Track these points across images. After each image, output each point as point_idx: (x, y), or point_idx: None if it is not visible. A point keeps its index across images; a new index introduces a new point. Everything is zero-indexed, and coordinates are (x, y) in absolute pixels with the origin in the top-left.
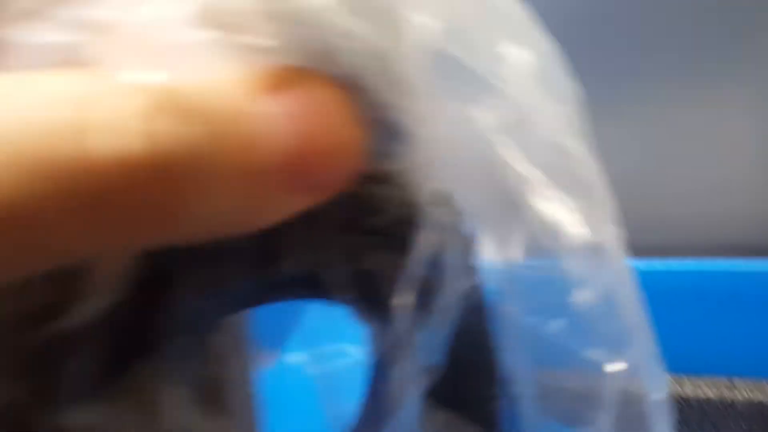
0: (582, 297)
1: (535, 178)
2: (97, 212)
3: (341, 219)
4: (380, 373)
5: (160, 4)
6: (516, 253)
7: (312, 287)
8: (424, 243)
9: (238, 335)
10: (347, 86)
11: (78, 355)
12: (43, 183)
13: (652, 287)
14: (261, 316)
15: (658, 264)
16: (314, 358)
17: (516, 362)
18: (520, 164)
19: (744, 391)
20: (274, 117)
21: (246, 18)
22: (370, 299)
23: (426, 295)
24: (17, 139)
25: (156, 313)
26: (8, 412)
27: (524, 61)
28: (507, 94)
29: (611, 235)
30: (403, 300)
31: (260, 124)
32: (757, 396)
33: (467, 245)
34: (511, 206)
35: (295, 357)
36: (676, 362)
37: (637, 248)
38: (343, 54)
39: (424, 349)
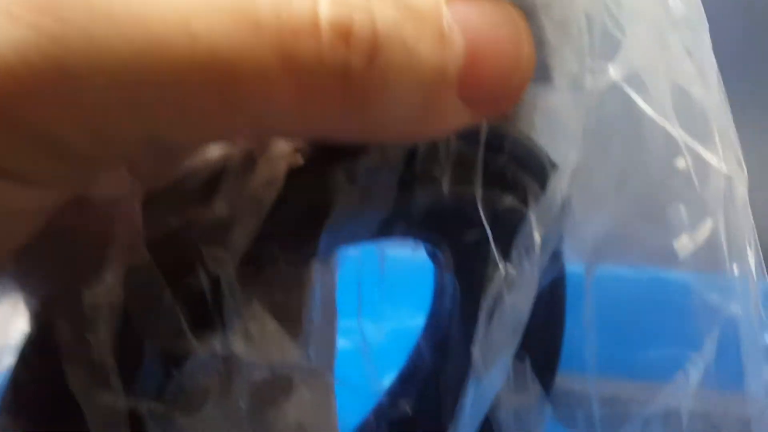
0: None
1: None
2: (299, 82)
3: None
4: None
5: None
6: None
7: (429, 225)
8: (548, 198)
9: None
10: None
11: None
12: (252, 36)
13: None
14: None
15: None
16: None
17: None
18: (658, 117)
19: None
20: (466, 21)
21: None
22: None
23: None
24: None
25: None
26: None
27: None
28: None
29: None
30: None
31: (452, 24)
32: None
33: (567, 212)
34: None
35: None
36: None
37: None
38: None
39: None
